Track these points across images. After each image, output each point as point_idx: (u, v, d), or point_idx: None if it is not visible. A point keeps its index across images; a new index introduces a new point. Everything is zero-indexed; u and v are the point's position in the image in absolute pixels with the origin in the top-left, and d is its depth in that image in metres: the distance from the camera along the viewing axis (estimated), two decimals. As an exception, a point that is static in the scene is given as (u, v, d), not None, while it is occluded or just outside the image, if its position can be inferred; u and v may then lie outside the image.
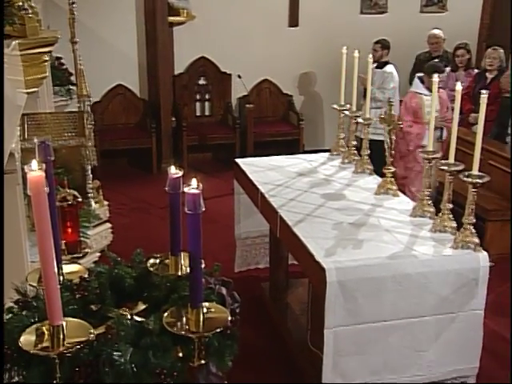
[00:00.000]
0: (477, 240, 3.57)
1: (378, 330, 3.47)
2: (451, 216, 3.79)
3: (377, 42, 7.25)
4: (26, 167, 1.69)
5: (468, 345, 3.60)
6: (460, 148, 4.68)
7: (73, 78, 6.84)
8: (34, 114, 4.89)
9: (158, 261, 2.29)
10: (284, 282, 5.18)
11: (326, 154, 5.26)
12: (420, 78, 6.12)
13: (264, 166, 4.96)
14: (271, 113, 9.18)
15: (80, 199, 2.50)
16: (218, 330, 1.97)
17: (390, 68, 7.19)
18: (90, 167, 5.20)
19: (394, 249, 3.57)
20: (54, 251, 1.75)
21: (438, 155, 4.03)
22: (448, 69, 7.30)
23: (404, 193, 4.97)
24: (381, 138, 5.36)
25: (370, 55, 4.72)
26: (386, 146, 4.33)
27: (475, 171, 3.52)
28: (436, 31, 7.81)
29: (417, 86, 5.90)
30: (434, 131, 5.45)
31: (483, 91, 3.44)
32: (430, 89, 5.16)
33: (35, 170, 1.66)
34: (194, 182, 1.87)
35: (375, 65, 6.69)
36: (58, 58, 7.34)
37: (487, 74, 6.60)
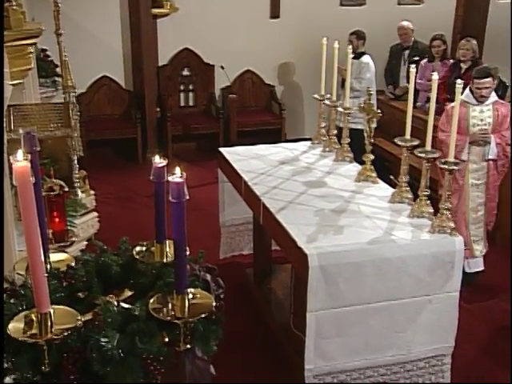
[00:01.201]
0: (453, 225, 3.67)
1: (358, 313, 3.56)
2: (428, 202, 3.89)
3: (352, 33, 7.35)
4: (11, 158, 1.72)
5: (444, 325, 3.71)
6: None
7: (58, 70, 6.85)
8: (20, 105, 4.89)
9: (143, 248, 2.33)
10: (267, 268, 5.26)
11: (308, 143, 5.33)
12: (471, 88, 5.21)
13: (247, 155, 5.02)
14: (254, 103, 9.22)
15: (66, 189, 2.55)
16: (203, 316, 2.03)
17: (366, 58, 7.30)
18: (76, 157, 5.21)
19: (374, 234, 3.66)
20: (41, 240, 1.79)
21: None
22: (425, 60, 7.40)
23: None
24: (359, 126, 5.44)
25: (350, 46, 4.80)
26: (366, 135, 4.40)
27: (451, 158, 3.62)
28: (404, 23, 7.93)
29: (467, 94, 5.10)
30: (479, 147, 5.03)
31: (458, 81, 3.53)
32: (478, 99, 5.02)
33: (21, 161, 1.70)
34: (177, 170, 1.92)
35: (352, 55, 6.74)
36: (44, 50, 7.36)
37: (462, 65, 6.67)
